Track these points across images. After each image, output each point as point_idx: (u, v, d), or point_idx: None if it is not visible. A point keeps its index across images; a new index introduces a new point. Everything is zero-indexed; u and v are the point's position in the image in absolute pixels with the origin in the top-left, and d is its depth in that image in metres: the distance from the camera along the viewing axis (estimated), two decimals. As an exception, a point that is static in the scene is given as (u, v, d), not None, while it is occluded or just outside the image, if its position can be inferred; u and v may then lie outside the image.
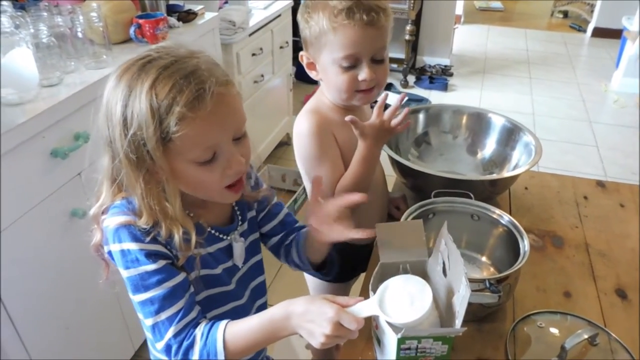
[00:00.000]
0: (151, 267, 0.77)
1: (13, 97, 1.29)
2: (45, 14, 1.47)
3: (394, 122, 1.07)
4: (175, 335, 0.77)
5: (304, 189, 2.80)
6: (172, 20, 1.86)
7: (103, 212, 0.82)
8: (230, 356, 0.77)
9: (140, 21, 1.69)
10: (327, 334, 0.72)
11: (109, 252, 0.81)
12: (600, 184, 1.46)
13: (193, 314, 0.80)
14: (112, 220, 0.78)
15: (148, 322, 0.79)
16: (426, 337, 0.73)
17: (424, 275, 0.90)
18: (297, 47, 3.27)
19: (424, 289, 0.77)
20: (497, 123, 1.42)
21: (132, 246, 0.77)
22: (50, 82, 1.39)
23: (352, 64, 1.04)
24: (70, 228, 1.40)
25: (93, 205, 0.83)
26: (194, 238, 0.79)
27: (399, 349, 0.74)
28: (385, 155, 1.22)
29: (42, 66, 1.38)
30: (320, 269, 0.98)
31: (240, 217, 0.93)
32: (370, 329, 0.89)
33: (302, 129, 1.12)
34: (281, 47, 2.81)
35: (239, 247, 0.91)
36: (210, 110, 0.72)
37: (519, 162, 1.33)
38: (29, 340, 1.32)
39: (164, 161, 0.74)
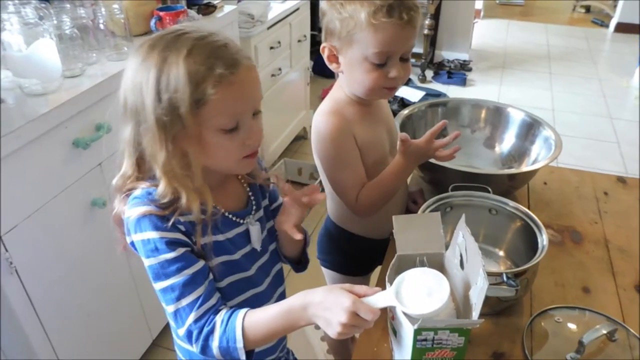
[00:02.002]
0: (171, 255, 0.79)
1: (37, 87, 1.31)
2: (68, 5, 1.50)
3: (441, 152, 1.09)
4: (196, 321, 0.79)
5: (321, 182, 2.80)
6: (192, 12, 1.88)
7: (127, 192, 0.83)
8: (248, 343, 0.78)
9: (161, 13, 1.70)
10: (343, 323, 0.72)
11: (132, 243, 0.83)
12: (621, 179, 1.45)
13: (213, 301, 0.81)
14: (134, 211, 0.80)
15: (170, 309, 0.80)
16: (443, 329, 0.73)
17: (441, 268, 0.90)
18: (314, 40, 3.27)
19: (442, 282, 0.77)
20: (516, 117, 1.40)
21: (153, 235, 0.78)
22: (72, 73, 1.41)
23: (384, 62, 1.03)
24: (90, 217, 1.42)
25: (115, 175, 0.84)
26: (210, 207, 0.81)
27: (415, 340, 0.74)
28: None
29: (65, 57, 1.40)
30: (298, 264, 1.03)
31: (254, 203, 0.94)
32: (386, 320, 0.89)
33: (321, 132, 1.10)
34: (299, 41, 2.81)
35: (255, 230, 0.92)
36: (241, 79, 0.77)
37: (538, 157, 1.31)
38: (50, 327, 1.35)
39: (195, 125, 0.76)
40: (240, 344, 0.77)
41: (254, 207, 0.94)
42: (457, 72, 4.24)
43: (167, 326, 1.91)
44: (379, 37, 1.00)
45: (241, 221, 0.91)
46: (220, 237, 0.86)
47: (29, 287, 1.26)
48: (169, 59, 0.74)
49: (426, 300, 0.75)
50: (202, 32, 0.78)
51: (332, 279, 1.40)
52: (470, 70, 4.34)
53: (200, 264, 0.81)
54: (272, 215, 0.99)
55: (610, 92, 4.04)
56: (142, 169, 0.83)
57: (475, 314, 0.74)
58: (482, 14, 5.71)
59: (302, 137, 3.14)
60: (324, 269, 1.40)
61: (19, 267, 1.22)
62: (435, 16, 4.20)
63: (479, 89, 4.08)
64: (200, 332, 0.79)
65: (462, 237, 0.82)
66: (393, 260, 0.86)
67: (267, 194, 0.99)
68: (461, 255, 0.83)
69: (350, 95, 1.12)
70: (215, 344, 0.78)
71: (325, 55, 1.09)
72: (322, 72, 3.81)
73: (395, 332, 0.81)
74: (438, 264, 0.89)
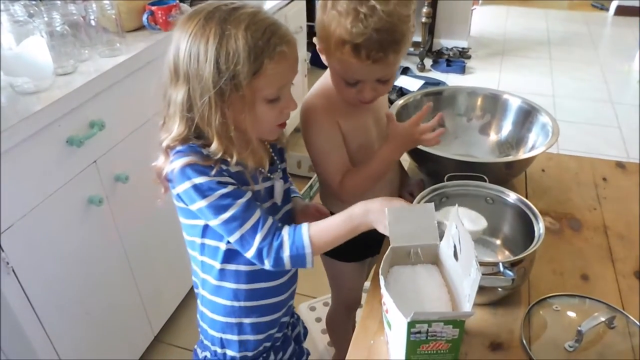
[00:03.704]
0: (225, 190, 0.87)
1: (28, 85, 1.30)
2: (58, 2, 1.48)
3: (426, 136, 1.09)
4: (263, 239, 0.89)
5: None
6: (185, 6, 1.86)
7: (172, 148, 0.89)
8: (315, 249, 0.89)
9: (153, 8, 1.68)
10: None
11: (178, 195, 0.90)
12: (620, 165, 1.43)
13: (271, 220, 0.91)
14: (177, 163, 0.87)
15: (235, 236, 0.89)
16: (436, 321, 0.73)
17: (436, 259, 0.89)
18: (311, 32, 3.23)
19: (478, 215, 1.01)
20: (513, 104, 1.39)
21: (202, 179, 0.86)
22: (64, 70, 1.40)
23: (355, 83, 1.03)
24: (87, 215, 1.42)
25: (163, 137, 0.90)
26: (254, 164, 0.92)
27: (409, 333, 0.74)
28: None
29: (57, 55, 1.38)
30: None
31: (278, 162, 1.04)
32: (382, 313, 0.89)
33: (305, 116, 1.13)
34: (295, 33, 2.79)
35: (279, 186, 1.01)
36: (292, 53, 0.87)
37: (535, 144, 1.30)
38: (50, 326, 1.35)
39: (250, 94, 0.84)
40: (308, 249, 0.89)
41: (278, 166, 1.03)
42: (456, 60, 4.21)
43: (168, 322, 1.91)
44: (345, 67, 1.00)
45: (271, 176, 0.99)
46: (256, 188, 0.95)
47: (27, 287, 1.26)
48: (228, 32, 0.81)
49: (471, 224, 0.98)
50: (252, 7, 0.85)
51: (327, 263, 1.40)
52: (469, 57, 4.31)
53: (249, 194, 0.90)
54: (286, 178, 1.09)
55: (611, 77, 4.01)
56: (190, 131, 0.88)
57: (468, 305, 0.73)
58: (480, 0, 5.66)
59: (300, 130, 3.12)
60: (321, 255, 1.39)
61: (15, 267, 1.22)
62: (433, 4, 4.17)
63: (479, 77, 4.06)
64: (270, 247, 0.89)
65: (456, 227, 0.81)
66: (387, 253, 0.86)
67: (284, 158, 1.08)
68: (455, 246, 0.82)
69: None
70: (286, 254, 0.89)
71: (317, 47, 1.09)
72: (319, 63, 3.78)
73: (389, 325, 0.81)
74: (432, 255, 0.89)
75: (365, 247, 1.32)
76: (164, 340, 1.92)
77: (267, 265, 0.90)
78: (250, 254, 0.90)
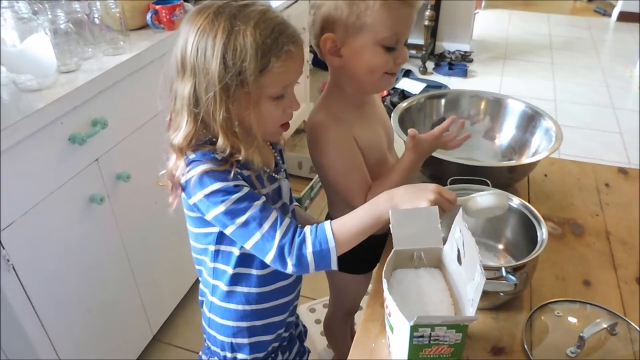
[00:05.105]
0: (240, 194, 0.87)
1: (31, 83, 1.30)
2: (63, 0, 1.48)
3: (452, 144, 1.12)
4: (283, 236, 0.87)
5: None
6: (189, 5, 1.85)
7: (184, 149, 0.88)
8: (339, 242, 0.87)
9: (157, 7, 1.68)
10: (431, 199, 0.87)
11: (194, 205, 0.89)
12: (622, 170, 1.43)
13: (288, 219, 0.90)
14: (194, 172, 0.86)
15: (254, 238, 0.87)
16: (439, 325, 0.72)
17: (439, 263, 0.89)
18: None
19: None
20: (516, 109, 1.39)
21: (219, 185, 0.86)
22: (68, 68, 1.40)
23: (394, 45, 1.00)
24: (88, 214, 1.42)
25: (173, 136, 0.89)
26: (261, 162, 0.91)
27: (411, 337, 0.73)
28: (401, 142, 1.20)
29: (60, 52, 1.38)
30: None
31: (281, 163, 1.05)
32: (384, 316, 0.88)
33: (323, 142, 1.08)
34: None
35: (285, 186, 1.02)
36: (299, 53, 0.87)
37: (538, 149, 1.30)
38: (49, 324, 1.35)
39: (255, 90, 0.84)
40: (332, 243, 0.87)
41: (282, 166, 1.04)
42: (458, 64, 4.21)
43: (167, 321, 1.91)
44: (392, 19, 0.97)
45: (277, 176, 1.00)
46: (264, 191, 0.95)
47: (26, 285, 1.25)
48: (237, 28, 0.81)
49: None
50: (262, 4, 0.85)
51: (331, 273, 1.39)
52: (471, 61, 4.32)
53: (264, 197, 0.90)
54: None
55: (613, 82, 4.02)
56: (198, 126, 0.88)
57: (472, 310, 0.73)
58: (483, 4, 5.67)
59: (302, 131, 3.12)
60: None
61: (16, 264, 1.21)
62: (436, 7, 4.17)
63: (481, 80, 4.06)
64: (291, 244, 0.87)
65: (459, 231, 0.80)
66: (390, 256, 0.85)
67: (283, 159, 1.08)
68: (458, 250, 0.82)
69: (347, 95, 1.09)
70: (309, 250, 0.86)
71: (325, 49, 1.03)
72: (321, 64, 3.78)
73: (392, 329, 0.81)
74: (436, 259, 0.88)
75: (372, 258, 1.30)
76: (162, 340, 1.91)
77: (290, 265, 0.86)
78: (270, 255, 0.87)
